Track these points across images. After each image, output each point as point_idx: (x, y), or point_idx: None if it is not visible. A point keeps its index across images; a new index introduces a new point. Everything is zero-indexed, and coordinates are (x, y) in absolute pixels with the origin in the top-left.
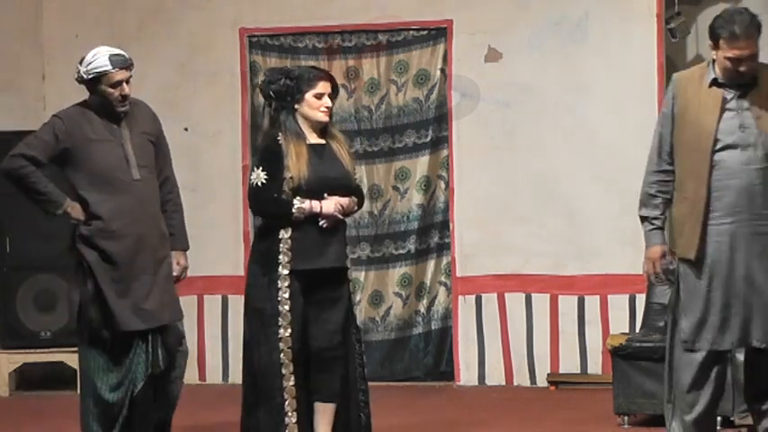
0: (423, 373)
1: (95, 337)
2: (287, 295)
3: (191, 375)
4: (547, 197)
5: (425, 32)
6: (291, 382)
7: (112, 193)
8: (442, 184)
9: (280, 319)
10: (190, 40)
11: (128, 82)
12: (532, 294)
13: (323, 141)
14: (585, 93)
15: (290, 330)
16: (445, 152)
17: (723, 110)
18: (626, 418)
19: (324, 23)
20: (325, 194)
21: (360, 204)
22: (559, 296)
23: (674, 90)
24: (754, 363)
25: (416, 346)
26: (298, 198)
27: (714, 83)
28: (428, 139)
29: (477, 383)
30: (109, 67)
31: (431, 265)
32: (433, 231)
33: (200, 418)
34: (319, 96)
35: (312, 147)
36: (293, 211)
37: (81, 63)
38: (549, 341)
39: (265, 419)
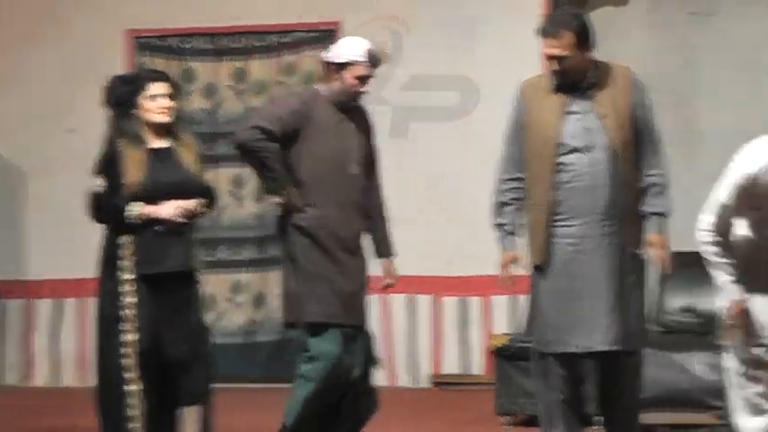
0: None
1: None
2: (132, 300)
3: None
4: (430, 199)
5: (315, 34)
6: (136, 388)
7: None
8: None
9: (125, 324)
10: (78, 42)
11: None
12: (416, 295)
13: (166, 145)
14: (475, 94)
15: (136, 336)
16: None
17: (566, 113)
18: (508, 418)
19: (212, 24)
20: (166, 201)
21: (210, 206)
22: (443, 297)
23: (520, 97)
24: (602, 367)
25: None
26: (134, 203)
27: (558, 88)
28: None
29: None
30: (361, 59)
31: None
32: None
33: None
34: (155, 98)
35: (153, 151)
36: (128, 216)
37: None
38: (431, 342)
39: (112, 426)
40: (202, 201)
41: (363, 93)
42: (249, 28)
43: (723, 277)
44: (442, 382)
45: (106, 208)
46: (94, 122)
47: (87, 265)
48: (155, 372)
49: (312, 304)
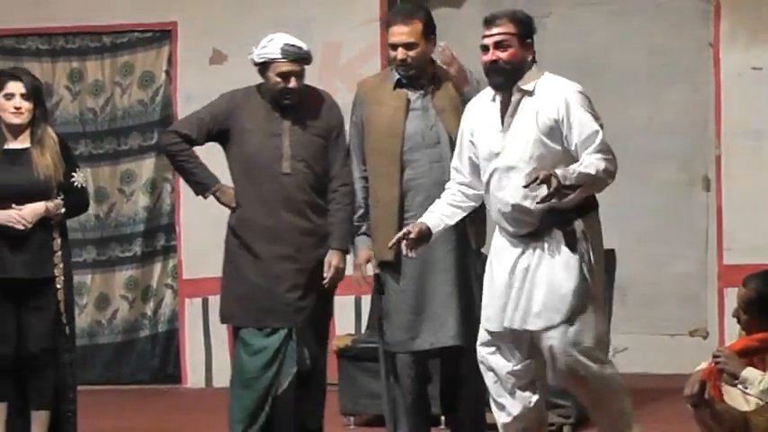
0: (149, 376)
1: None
2: None
3: None
4: None
5: (150, 35)
6: None
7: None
8: (168, 187)
9: None
10: None
11: (298, 76)
12: None
13: (25, 146)
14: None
15: None
16: None
17: (408, 110)
18: (352, 418)
19: (47, 25)
20: (14, 203)
21: (75, 206)
22: None
23: (359, 97)
24: (447, 364)
25: (143, 349)
26: None
27: (398, 84)
28: (153, 141)
29: (204, 386)
30: (278, 56)
31: (157, 267)
32: (159, 234)
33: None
34: (9, 97)
35: (6, 152)
36: None
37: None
38: None
39: None
40: (56, 203)
41: (292, 89)
42: (84, 28)
43: None
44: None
45: None
46: None
47: None
48: (9, 374)
49: (223, 305)
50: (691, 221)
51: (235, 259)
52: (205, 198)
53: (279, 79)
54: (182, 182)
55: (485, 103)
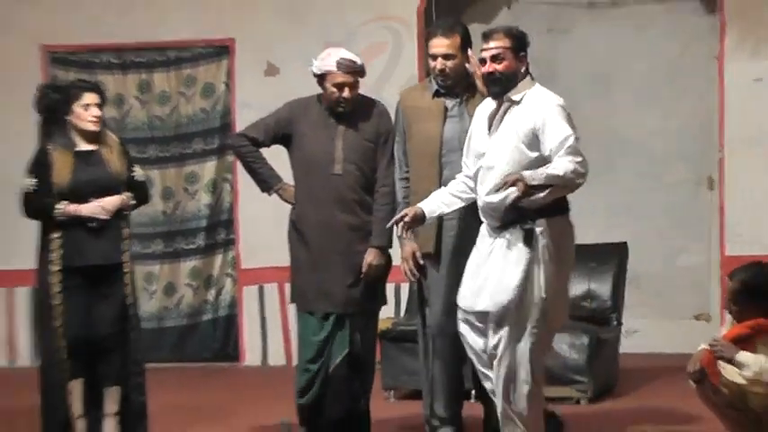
0: (211, 356)
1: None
2: (59, 290)
3: None
4: None
5: (210, 50)
6: (66, 369)
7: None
8: (228, 187)
9: (54, 312)
10: None
11: (352, 87)
12: None
13: (93, 147)
14: None
15: (61, 321)
16: (230, 157)
17: (446, 117)
18: (392, 392)
19: (119, 41)
20: (92, 198)
21: (141, 200)
22: None
23: (401, 105)
24: None
25: (206, 331)
26: (61, 202)
27: (437, 93)
28: (215, 145)
29: (260, 364)
30: (333, 68)
31: (218, 258)
32: (220, 228)
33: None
34: (86, 107)
35: (79, 154)
36: (55, 214)
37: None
38: None
39: (48, 402)
40: (127, 196)
41: (346, 98)
42: (152, 44)
43: None
44: None
45: (36, 206)
46: (11, 130)
47: (15, 258)
48: (85, 354)
49: (291, 289)
50: (697, 217)
51: (294, 251)
52: (269, 195)
53: (334, 89)
54: (240, 181)
55: (488, 107)
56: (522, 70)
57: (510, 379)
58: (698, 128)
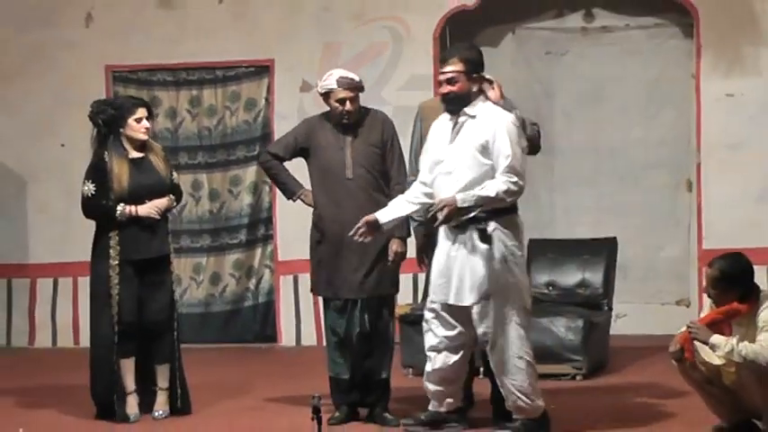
0: (252, 337)
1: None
2: (118, 281)
3: None
4: None
5: (253, 69)
6: (122, 350)
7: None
8: (267, 188)
9: (112, 300)
10: (65, 75)
11: (352, 101)
12: None
13: (142, 155)
14: None
15: (118, 308)
16: None
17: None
18: (410, 369)
19: (173, 61)
20: (146, 199)
21: (178, 200)
22: None
23: (420, 115)
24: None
25: (247, 316)
26: (120, 204)
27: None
28: (256, 152)
29: (294, 344)
30: (335, 86)
31: (258, 251)
32: (259, 225)
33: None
34: (139, 120)
35: (132, 161)
36: (116, 216)
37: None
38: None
39: (102, 381)
40: (172, 197)
41: (348, 111)
42: (201, 64)
43: None
44: None
45: (98, 209)
46: (79, 139)
47: (75, 252)
48: (137, 337)
49: (312, 280)
50: (677, 215)
51: (316, 246)
52: (293, 201)
53: (337, 104)
54: None
55: (443, 121)
56: (475, 89)
57: (505, 357)
58: (677, 137)
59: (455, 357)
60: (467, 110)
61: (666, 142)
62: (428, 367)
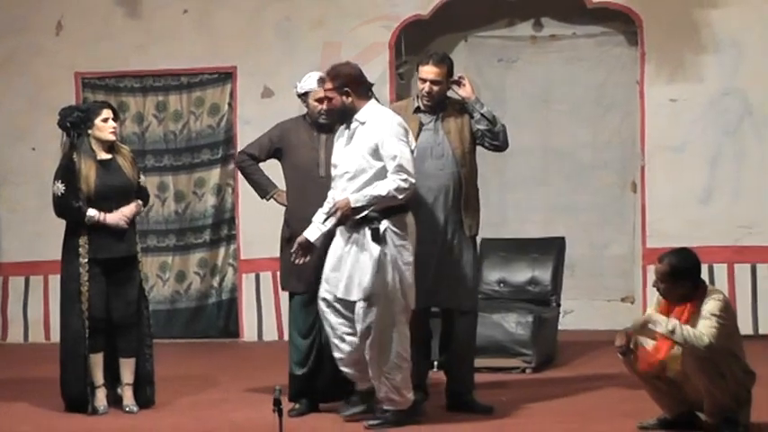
0: (216, 333)
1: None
2: (86, 278)
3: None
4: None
5: (216, 75)
6: (91, 346)
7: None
8: (230, 190)
9: (81, 297)
10: (36, 81)
11: (329, 100)
12: None
13: (110, 157)
14: None
15: (87, 304)
16: (232, 166)
17: (421, 130)
18: None
19: (140, 68)
20: (113, 200)
21: (145, 203)
22: None
23: None
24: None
25: (211, 312)
26: (91, 210)
27: (416, 110)
28: (219, 156)
29: (257, 340)
30: (314, 86)
31: (222, 250)
32: (223, 225)
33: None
34: (105, 120)
35: (101, 162)
36: (87, 221)
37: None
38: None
39: (72, 375)
40: (139, 203)
41: (326, 110)
42: (167, 71)
43: None
44: None
45: (67, 209)
46: (50, 143)
47: (46, 251)
48: (104, 332)
49: (282, 277)
50: (622, 215)
51: (286, 244)
52: (267, 200)
53: (316, 103)
54: (240, 186)
55: (342, 129)
56: (350, 101)
57: (385, 355)
58: (623, 140)
59: (355, 339)
60: (357, 116)
61: (612, 145)
62: (336, 354)
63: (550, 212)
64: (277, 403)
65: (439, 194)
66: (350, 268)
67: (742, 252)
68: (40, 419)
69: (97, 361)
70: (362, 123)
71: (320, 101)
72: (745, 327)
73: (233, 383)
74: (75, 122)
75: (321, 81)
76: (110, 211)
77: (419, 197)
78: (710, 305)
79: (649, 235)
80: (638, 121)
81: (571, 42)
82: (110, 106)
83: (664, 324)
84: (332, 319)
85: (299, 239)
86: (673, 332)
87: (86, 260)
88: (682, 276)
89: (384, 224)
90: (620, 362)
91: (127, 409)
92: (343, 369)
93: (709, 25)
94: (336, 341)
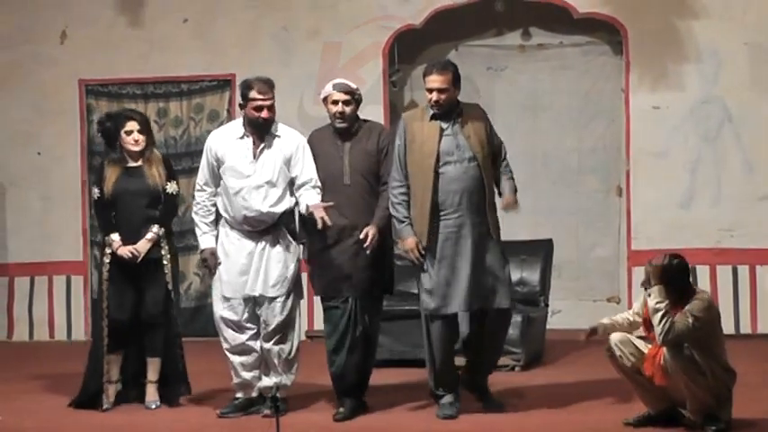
0: (214, 332)
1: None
2: (107, 279)
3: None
4: None
5: (215, 83)
6: (110, 345)
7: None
8: None
9: (103, 296)
10: (41, 88)
11: (346, 103)
12: None
13: (139, 164)
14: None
15: (107, 304)
16: None
17: (442, 135)
18: None
19: (141, 76)
20: (129, 204)
21: (167, 210)
22: None
23: (403, 126)
24: (477, 322)
25: (210, 312)
26: (114, 234)
27: (433, 117)
28: None
29: None
30: (331, 90)
31: None
32: None
33: None
34: (129, 133)
35: (127, 168)
36: (105, 239)
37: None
38: (308, 307)
39: (90, 371)
40: (154, 232)
41: (341, 112)
42: (168, 78)
43: None
44: (315, 336)
45: (100, 214)
46: (55, 148)
47: (51, 252)
48: (125, 332)
49: (314, 283)
50: (607, 219)
51: (314, 251)
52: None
53: (332, 105)
54: None
55: (233, 140)
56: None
57: (291, 345)
58: (608, 146)
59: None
60: (272, 130)
61: (598, 150)
62: (241, 360)
63: (538, 215)
64: (273, 401)
65: (462, 197)
66: (266, 267)
67: (723, 254)
68: (45, 416)
69: (114, 360)
70: (278, 137)
71: (335, 103)
72: (726, 326)
73: (230, 379)
74: (106, 133)
75: (338, 85)
76: (131, 214)
77: (442, 202)
78: (693, 304)
79: (634, 237)
80: (623, 127)
81: (558, 51)
82: (134, 118)
83: (656, 294)
84: (235, 319)
85: (208, 248)
86: (656, 311)
87: (108, 260)
88: (671, 278)
89: (298, 224)
90: (606, 360)
91: (148, 405)
92: (244, 374)
93: (690, 36)
94: (240, 334)
